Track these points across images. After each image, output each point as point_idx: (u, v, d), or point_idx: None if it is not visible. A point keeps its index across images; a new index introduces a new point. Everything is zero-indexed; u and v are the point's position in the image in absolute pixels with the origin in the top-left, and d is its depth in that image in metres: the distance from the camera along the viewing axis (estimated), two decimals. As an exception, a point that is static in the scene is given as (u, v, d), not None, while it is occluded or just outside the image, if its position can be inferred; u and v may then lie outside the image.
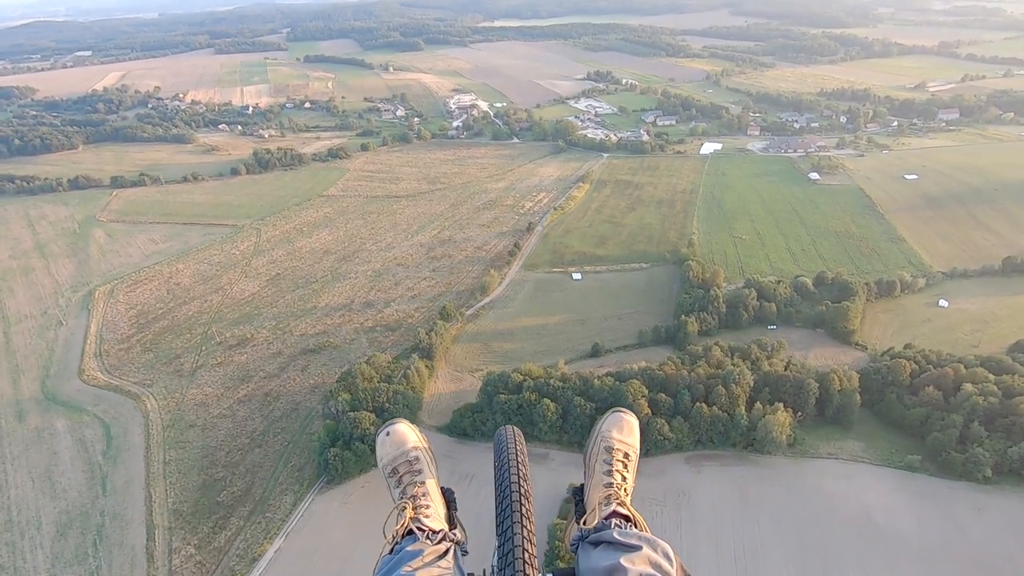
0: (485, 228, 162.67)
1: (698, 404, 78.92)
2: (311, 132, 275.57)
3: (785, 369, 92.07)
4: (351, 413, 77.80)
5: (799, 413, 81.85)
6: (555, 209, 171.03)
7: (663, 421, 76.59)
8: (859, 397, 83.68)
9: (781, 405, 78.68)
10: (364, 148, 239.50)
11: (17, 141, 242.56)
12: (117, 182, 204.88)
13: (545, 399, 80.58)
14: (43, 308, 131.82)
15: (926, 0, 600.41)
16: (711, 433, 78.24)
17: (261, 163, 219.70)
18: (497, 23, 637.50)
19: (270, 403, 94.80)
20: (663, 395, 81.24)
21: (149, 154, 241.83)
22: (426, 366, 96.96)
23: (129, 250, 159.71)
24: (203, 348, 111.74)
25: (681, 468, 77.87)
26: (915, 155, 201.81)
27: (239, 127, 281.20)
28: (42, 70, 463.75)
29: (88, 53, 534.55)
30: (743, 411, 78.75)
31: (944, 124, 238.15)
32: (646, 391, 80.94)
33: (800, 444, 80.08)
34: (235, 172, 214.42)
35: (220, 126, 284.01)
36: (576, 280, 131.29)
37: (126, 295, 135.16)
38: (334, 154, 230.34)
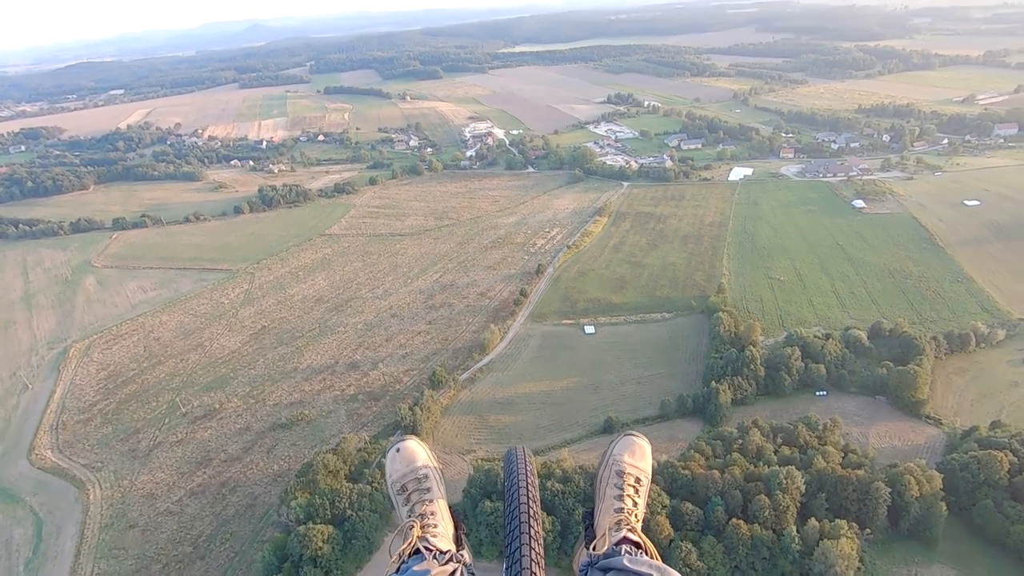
0: (491, 270, 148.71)
1: (734, 521, 61.75)
2: (322, 165, 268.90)
3: (843, 459, 74.21)
4: (302, 528, 63.45)
5: (867, 529, 63.89)
6: (569, 247, 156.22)
7: (689, 546, 59.50)
8: (944, 506, 65.25)
9: (844, 524, 60.91)
10: (372, 182, 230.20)
11: (30, 183, 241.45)
12: (119, 224, 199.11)
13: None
14: (14, 368, 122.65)
15: (965, 9, 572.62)
16: (752, 559, 60.80)
17: (265, 201, 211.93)
18: (518, 48, 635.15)
19: (224, 496, 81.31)
20: (689, 504, 64.44)
21: (157, 193, 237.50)
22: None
23: (117, 299, 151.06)
24: (166, 420, 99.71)
25: (715, 600, 60.77)
26: (973, 177, 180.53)
27: (251, 162, 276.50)
28: (74, 110, 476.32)
29: (120, 92, 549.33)
30: (793, 529, 61.32)
31: (1002, 140, 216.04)
32: (667, 500, 64.31)
33: (870, 571, 61.93)
34: (238, 211, 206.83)
35: (232, 162, 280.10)
36: (589, 334, 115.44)
37: (101, 352, 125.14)
38: (341, 189, 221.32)
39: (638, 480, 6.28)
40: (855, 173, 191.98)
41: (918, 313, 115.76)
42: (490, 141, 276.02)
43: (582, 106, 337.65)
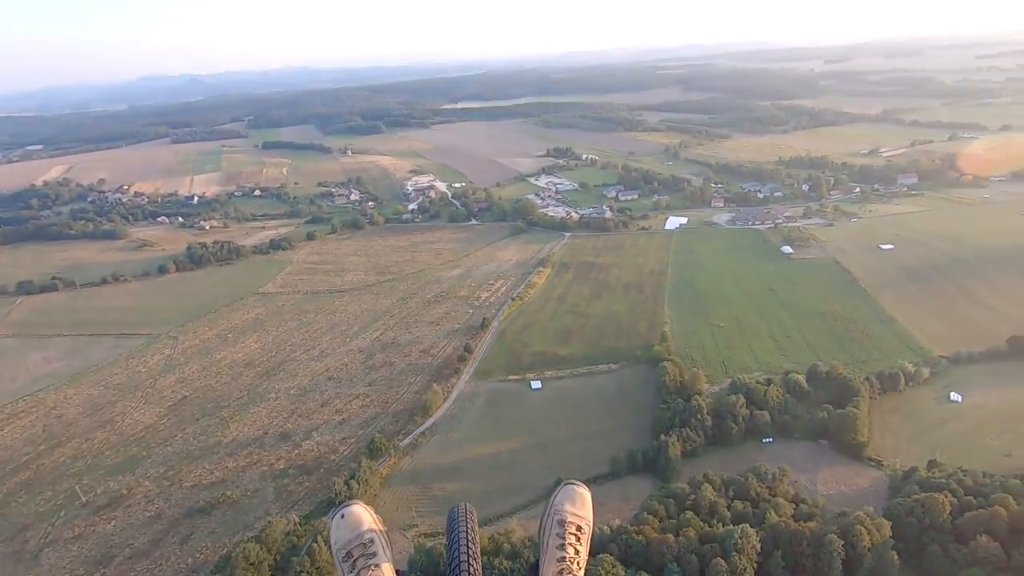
0: (435, 326, 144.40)
1: (692, 589, 58.63)
2: (257, 221, 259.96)
3: (795, 510, 73.14)
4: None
5: (824, 586, 62.10)
6: (513, 299, 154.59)
7: (648, 623, 55.67)
8: (896, 555, 64.58)
9: (801, 584, 58.91)
10: (310, 237, 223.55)
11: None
12: (24, 287, 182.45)
13: (489, 589, 59.60)
14: None
15: (863, 73, 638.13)
16: (713, 629, 57.50)
17: (193, 259, 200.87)
18: (460, 105, 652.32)
19: (126, 602, 70.78)
20: (644, 574, 60.75)
21: (73, 253, 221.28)
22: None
23: (15, 373, 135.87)
24: (62, 512, 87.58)
25: None
26: (885, 223, 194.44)
27: (180, 219, 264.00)
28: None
29: (39, 147, 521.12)
30: (752, 593, 58.70)
31: (905, 188, 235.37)
32: (622, 572, 60.41)
33: (831, 632, 59.65)
34: (163, 270, 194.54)
35: (160, 218, 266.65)
36: (536, 389, 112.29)
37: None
38: (277, 245, 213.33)
39: (579, 528, 6.47)
40: (781, 221, 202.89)
41: (850, 354, 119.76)
42: (432, 194, 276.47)
43: (523, 159, 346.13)
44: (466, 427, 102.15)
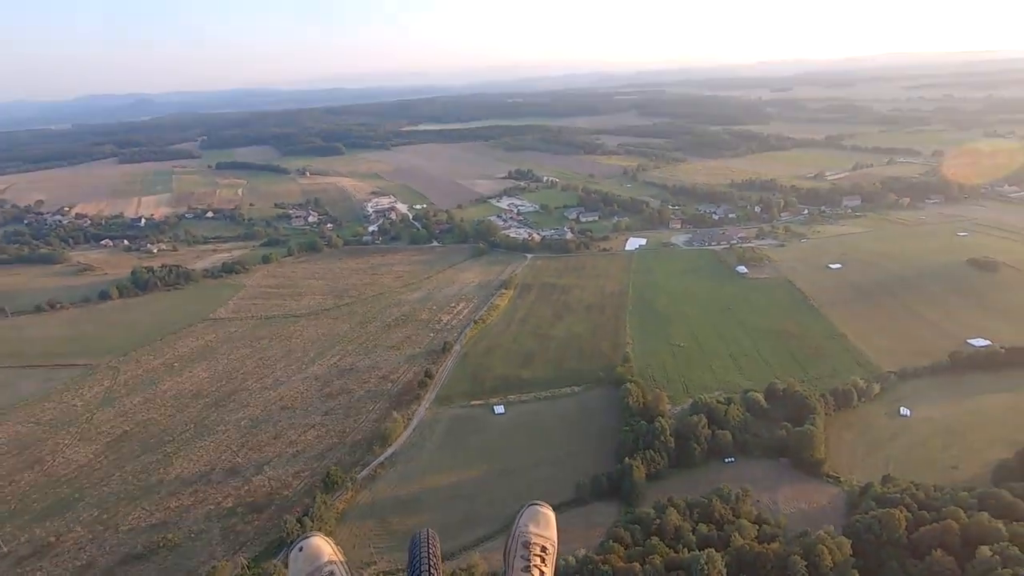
0: (395, 350, 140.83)
1: (659, 620, 57.34)
2: (209, 244, 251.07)
3: (759, 531, 73.15)
4: None
5: (789, 609, 61.76)
6: (475, 322, 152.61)
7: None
8: (856, 573, 65.01)
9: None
10: (266, 260, 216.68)
11: None
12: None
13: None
14: None
15: (804, 101, 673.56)
16: (682, 661, 56.16)
17: (139, 284, 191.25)
18: (421, 127, 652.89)
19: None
20: (612, 606, 59.18)
21: (4, 279, 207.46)
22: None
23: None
24: (-21, 566, 79.57)
25: None
26: (833, 243, 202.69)
27: (125, 241, 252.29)
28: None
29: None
30: (720, 621, 57.79)
31: (850, 210, 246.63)
32: (588, 604, 58.68)
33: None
34: (105, 296, 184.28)
35: (103, 241, 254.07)
36: (499, 414, 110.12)
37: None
38: (229, 268, 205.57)
39: (544, 549, 6.45)
40: (735, 241, 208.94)
41: (805, 371, 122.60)
42: (393, 216, 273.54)
43: (484, 181, 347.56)
44: (427, 456, 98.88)
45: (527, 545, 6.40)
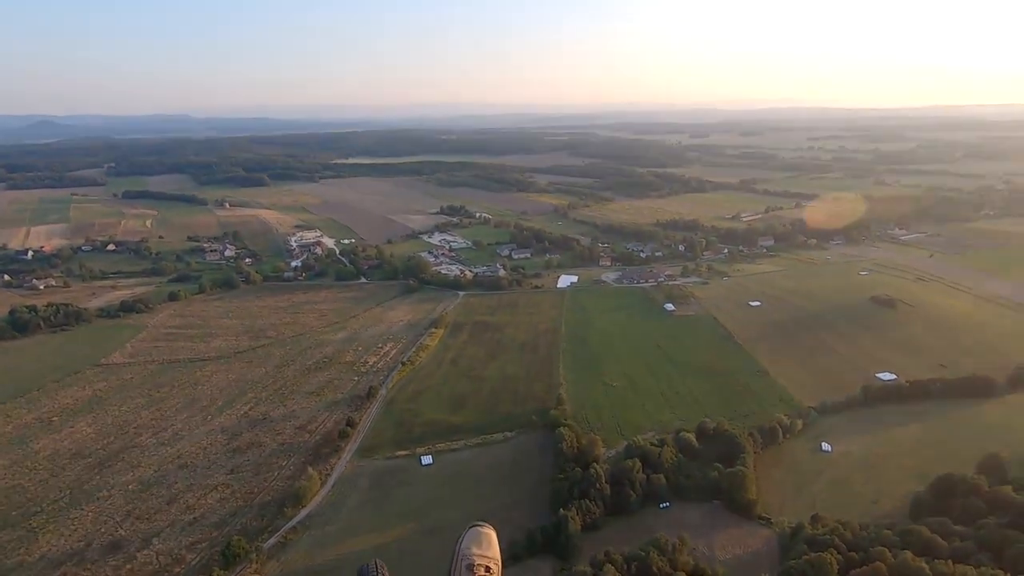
0: (314, 396, 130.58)
1: None
2: (108, 279, 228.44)
3: (696, 585, 70.36)
4: None
5: (732, 672, 58.71)
6: (403, 364, 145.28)
7: None
8: (795, 625, 63.35)
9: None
10: (173, 297, 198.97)
11: None
12: None
13: None
14: None
15: (721, 147, 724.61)
16: None
17: (18, 325, 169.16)
18: (351, 160, 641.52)
19: None
20: None
21: None
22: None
23: None
24: None
25: None
26: (752, 281, 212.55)
27: (7, 276, 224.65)
28: None
29: None
30: None
31: (765, 250, 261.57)
32: None
33: None
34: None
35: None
36: (426, 465, 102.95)
37: None
38: (129, 307, 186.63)
39: (488, 569, 6.45)
40: (663, 279, 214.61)
41: (732, 408, 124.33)
42: (319, 251, 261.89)
43: (416, 216, 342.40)
44: (346, 516, 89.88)
45: (471, 568, 6.33)
